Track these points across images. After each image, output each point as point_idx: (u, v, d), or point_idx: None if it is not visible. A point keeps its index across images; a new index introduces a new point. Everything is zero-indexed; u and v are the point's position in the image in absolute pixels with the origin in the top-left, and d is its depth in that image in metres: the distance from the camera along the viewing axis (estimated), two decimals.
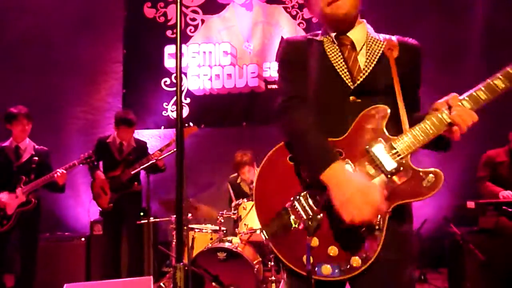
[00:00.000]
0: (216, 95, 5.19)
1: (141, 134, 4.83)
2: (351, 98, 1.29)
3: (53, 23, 5.21)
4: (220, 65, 5.21)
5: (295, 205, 1.25)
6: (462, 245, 3.74)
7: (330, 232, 1.21)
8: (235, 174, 4.10)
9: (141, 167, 3.61)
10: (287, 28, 5.19)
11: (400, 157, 1.20)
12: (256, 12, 5.26)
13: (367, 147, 1.23)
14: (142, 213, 4.06)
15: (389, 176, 1.20)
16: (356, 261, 1.18)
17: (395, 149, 1.21)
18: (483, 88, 1.20)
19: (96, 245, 4.21)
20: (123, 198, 3.87)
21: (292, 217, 1.24)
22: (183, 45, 5.25)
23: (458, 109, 1.18)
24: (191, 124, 3.86)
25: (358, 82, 1.29)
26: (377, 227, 1.17)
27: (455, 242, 3.85)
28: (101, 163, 4.01)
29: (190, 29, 5.28)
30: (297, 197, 1.25)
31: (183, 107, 5.17)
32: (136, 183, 3.93)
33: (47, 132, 4.87)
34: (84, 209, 4.71)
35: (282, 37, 5.10)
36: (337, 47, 1.34)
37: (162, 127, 5.12)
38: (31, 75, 5.12)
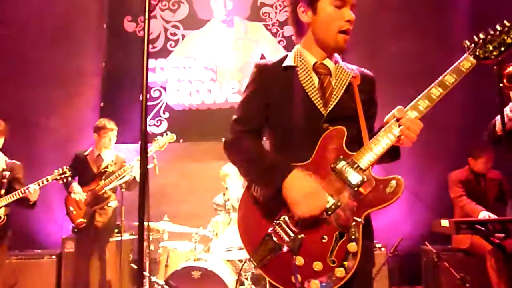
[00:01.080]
0: (195, 110, 5.16)
1: (118, 148, 4.75)
2: (324, 125, 1.40)
3: (30, 34, 5.13)
4: (200, 80, 5.21)
5: (276, 230, 1.33)
6: (437, 263, 3.78)
7: (312, 249, 1.30)
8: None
9: (119, 179, 3.55)
10: (268, 45, 5.24)
11: (362, 170, 1.31)
12: (237, 28, 5.30)
13: (332, 165, 1.34)
14: (116, 230, 3.96)
15: (355, 188, 1.31)
16: (340, 271, 1.27)
17: (357, 163, 1.32)
18: (422, 98, 1.34)
19: (67, 263, 4.06)
20: (97, 214, 3.77)
21: (276, 241, 1.32)
22: (163, 60, 5.24)
23: (404, 120, 1.31)
24: (168, 133, 3.86)
25: (329, 109, 1.40)
26: (353, 237, 1.27)
27: (431, 260, 3.89)
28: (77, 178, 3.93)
29: (171, 44, 5.27)
30: (277, 221, 1.34)
31: (162, 121, 5.14)
32: (112, 196, 3.84)
33: (22, 145, 4.74)
34: (57, 224, 4.56)
35: (259, 60, 5.15)
36: (311, 75, 1.44)
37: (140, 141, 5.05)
38: (6, 87, 5.00)
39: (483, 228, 3.07)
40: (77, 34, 5.23)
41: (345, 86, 1.44)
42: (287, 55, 1.53)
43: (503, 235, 3.16)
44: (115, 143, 4.11)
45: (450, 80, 1.34)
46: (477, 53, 1.35)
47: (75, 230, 3.84)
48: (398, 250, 4.02)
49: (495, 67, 1.82)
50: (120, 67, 5.16)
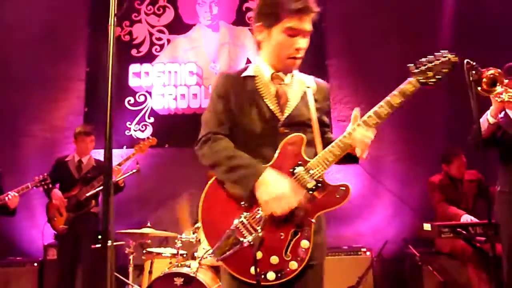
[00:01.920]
0: (181, 115, 5.13)
1: (102, 154, 4.70)
2: (281, 129, 1.55)
3: (14, 39, 5.06)
4: (186, 85, 5.19)
5: (239, 226, 1.48)
6: (421, 267, 3.80)
7: (270, 245, 1.46)
8: None
9: (100, 185, 3.52)
10: (253, 50, 5.23)
11: (316, 176, 1.48)
12: (223, 33, 5.29)
13: (291, 170, 1.50)
14: (99, 236, 3.91)
15: (310, 192, 1.48)
16: (293, 264, 1.45)
17: (312, 170, 1.48)
18: (372, 114, 1.47)
19: (49, 271, 4.00)
20: (79, 220, 3.73)
21: (237, 236, 1.46)
22: (148, 64, 5.22)
23: (355, 134, 1.46)
24: (149, 137, 3.84)
25: (286, 115, 1.56)
26: (306, 234, 1.46)
27: (414, 263, 3.91)
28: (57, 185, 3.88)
29: (156, 49, 5.25)
30: (240, 218, 1.48)
31: (147, 126, 5.10)
32: (93, 201, 3.80)
33: (3, 150, 4.68)
34: (39, 232, 4.48)
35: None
36: (268, 84, 1.59)
37: (124, 146, 5.00)
38: None
39: (464, 232, 3.11)
40: (61, 39, 5.17)
41: (301, 95, 1.60)
42: (248, 66, 1.68)
43: (484, 238, 3.20)
44: (98, 148, 4.08)
45: (396, 101, 1.46)
46: (419, 78, 1.45)
47: (57, 237, 3.80)
48: (383, 254, 4.05)
49: (471, 72, 1.84)
50: (104, 71, 5.11)
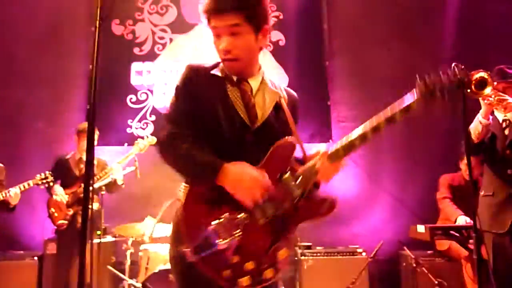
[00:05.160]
0: None
1: (102, 151, 4.76)
2: (248, 137, 1.47)
3: (18, 36, 5.13)
4: None
5: (216, 228, 1.39)
6: (416, 269, 3.82)
7: (248, 250, 1.39)
8: None
9: (99, 182, 3.57)
10: None
11: (304, 185, 1.42)
12: None
13: (279, 175, 1.43)
14: (99, 232, 3.97)
15: (295, 201, 1.42)
16: (270, 273, 1.39)
17: (300, 178, 1.42)
18: (339, 147, 1.39)
19: (48, 265, 4.06)
20: (78, 216, 3.78)
21: (214, 238, 1.38)
22: (150, 63, 5.27)
23: (320, 164, 1.40)
24: (149, 136, 3.88)
25: (257, 124, 1.48)
26: (285, 243, 1.41)
27: (410, 265, 3.93)
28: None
29: (158, 47, 5.30)
30: (220, 220, 1.40)
31: (148, 124, 5.15)
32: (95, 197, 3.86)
33: (7, 146, 4.75)
34: (39, 226, 4.56)
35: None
36: (236, 89, 1.50)
37: (125, 144, 5.05)
38: None
39: (457, 235, 3.12)
40: (64, 36, 5.23)
41: (273, 104, 1.52)
42: (219, 63, 1.56)
43: None
44: (99, 145, 4.13)
45: (399, 117, 1.31)
46: (426, 95, 1.30)
47: (57, 232, 3.85)
48: (379, 255, 4.06)
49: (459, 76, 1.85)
50: (106, 69, 5.17)
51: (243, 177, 1.36)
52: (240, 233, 1.39)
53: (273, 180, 1.42)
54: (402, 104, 1.30)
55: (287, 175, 1.43)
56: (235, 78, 1.52)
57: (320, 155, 1.42)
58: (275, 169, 1.43)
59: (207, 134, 1.46)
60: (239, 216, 1.40)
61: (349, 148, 1.37)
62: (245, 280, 1.38)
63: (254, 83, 1.54)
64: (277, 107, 1.53)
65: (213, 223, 1.39)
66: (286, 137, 1.46)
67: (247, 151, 1.45)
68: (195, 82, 1.50)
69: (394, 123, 1.30)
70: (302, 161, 1.49)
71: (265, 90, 1.55)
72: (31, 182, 3.55)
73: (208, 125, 1.47)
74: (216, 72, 1.53)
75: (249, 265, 1.39)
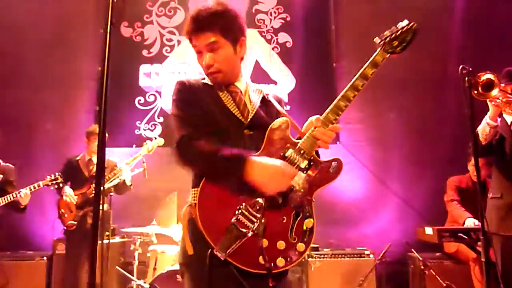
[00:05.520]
0: None
1: (111, 152, 4.80)
2: (245, 131, 1.58)
3: (27, 37, 5.19)
4: None
5: (239, 218, 1.43)
6: (424, 271, 3.80)
7: (274, 230, 1.44)
8: None
9: (108, 183, 3.60)
10: (262, 51, 5.29)
11: (308, 155, 1.49)
12: None
13: (282, 153, 1.50)
14: (107, 233, 4.00)
15: (305, 172, 1.49)
16: (301, 246, 1.45)
17: (303, 149, 1.50)
18: (328, 111, 1.50)
19: (58, 265, 4.11)
20: (88, 217, 3.82)
21: (240, 228, 1.41)
22: (158, 65, 5.31)
23: (316, 131, 1.49)
24: (157, 137, 3.91)
25: (249, 118, 1.60)
26: (308, 214, 1.47)
27: (418, 267, 3.91)
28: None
29: (166, 49, 5.34)
30: (239, 210, 1.43)
31: (156, 125, 5.19)
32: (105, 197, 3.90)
33: (18, 147, 4.80)
34: (49, 226, 4.61)
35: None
36: (227, 93, 1.63)
37: (134, 145, 5.09)
38: (2, 89, 5.06)
39: (466, 237, 3.11)
40: (73, 38, 5.29)
41: (259, 100, 1.67)
42: (203, 76, 1.69)
43: None
44: (108, 147, 4.16)
45: (370, 72, 1.48)
46: (387, 48, 1.49)
47: (66, 232, 3.90)
48: (386, 257, 4.05)
49: (466, 78, 1.86)
50: (115, 71, 5.20)
51: (269, 168, 1.43)
52: (263, 217, 1.42)
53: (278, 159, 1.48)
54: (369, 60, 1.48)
55: (289, 151, 1.50)
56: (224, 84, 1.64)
57: (314, 122, 1.50)
58: (275, 150, 1.51)
59: (209, 135, 1.53)
60: (257, 202, 1.44)
61: (336, 110, 1.49)
62: (280, 261, 1.43)
63: (240, 85, 1.68)
64: (264, 101, 1.68)
65: (233, 216, 1.42)
66: (278, 119, 1.55)
67: (247, 145, 1.54)
68: (189, 90, 1.62)
69: (367, 79, 1.46)
70: (300, 139, 1.56)
71: (250, 89, 1.70)
72: (41, 183, 3.59)
73: (209, 127, 1.55)
74: (206, 81, 1.66)
75: (280, 245, 1.44)
